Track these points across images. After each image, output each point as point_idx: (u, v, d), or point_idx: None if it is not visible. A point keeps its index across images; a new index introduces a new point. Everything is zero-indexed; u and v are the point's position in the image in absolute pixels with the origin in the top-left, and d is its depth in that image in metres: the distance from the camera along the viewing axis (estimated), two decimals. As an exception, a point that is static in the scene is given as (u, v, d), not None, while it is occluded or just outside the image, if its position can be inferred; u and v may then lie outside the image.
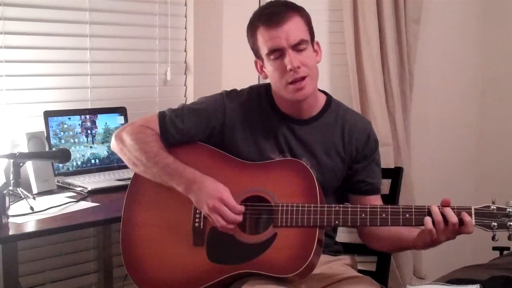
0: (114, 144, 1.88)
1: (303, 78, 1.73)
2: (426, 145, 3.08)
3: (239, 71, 2.53)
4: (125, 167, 1.87)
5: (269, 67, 1.78)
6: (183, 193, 1.73)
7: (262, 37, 1.75)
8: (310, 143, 1.84)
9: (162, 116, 1.85)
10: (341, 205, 1.67)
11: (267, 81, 1.85)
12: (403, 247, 1.89)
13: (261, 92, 1.89)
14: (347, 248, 2.08)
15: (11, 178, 1.92)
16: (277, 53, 1.73)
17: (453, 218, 1.56)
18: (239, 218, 1.68)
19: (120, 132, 1.87)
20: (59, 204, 2.00)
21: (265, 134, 1.84)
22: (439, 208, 1.58)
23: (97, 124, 2.50)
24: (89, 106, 2.57)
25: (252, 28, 1.79)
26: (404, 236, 1.71)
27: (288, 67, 1.72)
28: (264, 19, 1.74)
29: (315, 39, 1.81)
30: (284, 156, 1.82)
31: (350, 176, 1.87)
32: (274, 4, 1.78)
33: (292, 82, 1.74)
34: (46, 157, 2.17)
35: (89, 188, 2.18)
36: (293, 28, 1.73)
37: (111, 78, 2.69)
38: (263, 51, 1.76)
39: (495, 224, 1.55)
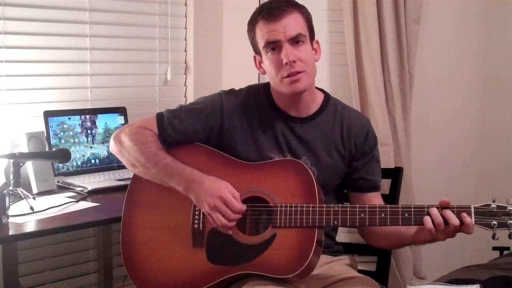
0: (112, 146, 1.88)
1: (299, 72, 1.74)
2: (426, 145, 3.08)
3: (239, 71, 2.53)
4: (125, 167, 1.87)
5: (266, 61, 1.78)
6: (183, 192, 1.73)
7: (260, 30, 1.76)
8: (310, 141, 1.84)
9: (160, 117, 1.86)
10: (340, 205, 1.67)
11: (266, 79, 1.85)
12: (401, 244, 1.90)
13: (260, 91, 1.89)
14: (347, 248, 2.08)
15: (11, 178, 1.93)
16: (274, 45, 1.74)
17: (454, 221, 1.55)
18: (239, 215, 1.68)
19: (119, 134, 1.87)
20: (59, 204, 2.00)
21: (264, 133, 1.84)
22: (438, 209, 1.57)
23: (97, 124, 2.50)
24: (89, 106, 2.57)
25: (252, 23, 1.80)
26: (402, 233, 1.71)
27: (284, 60, 1.72)
28: (264, 13, 1.75)
29: (315, 38, 1.81)
30: (284, 155, 1.82)
31: (350, 173, 1.87)
32: (276, 0, 1.78)
33: (288, 76, 1.74)
34: (46, 157, 2.17)
35: (89, 188, 2.18)
36: (291, 22, 1.73)
37: (111, 78, 2.69)
38: (261, 44, 1.77)
39: (495, 223, 1.54)
